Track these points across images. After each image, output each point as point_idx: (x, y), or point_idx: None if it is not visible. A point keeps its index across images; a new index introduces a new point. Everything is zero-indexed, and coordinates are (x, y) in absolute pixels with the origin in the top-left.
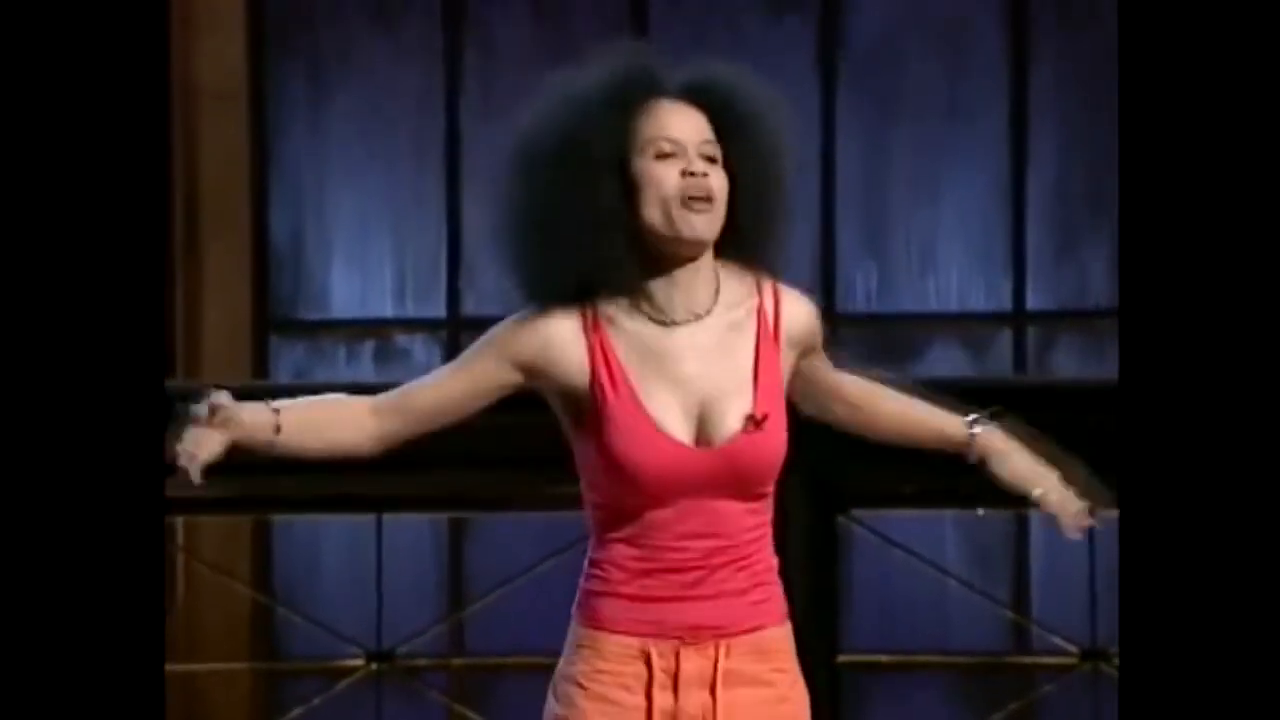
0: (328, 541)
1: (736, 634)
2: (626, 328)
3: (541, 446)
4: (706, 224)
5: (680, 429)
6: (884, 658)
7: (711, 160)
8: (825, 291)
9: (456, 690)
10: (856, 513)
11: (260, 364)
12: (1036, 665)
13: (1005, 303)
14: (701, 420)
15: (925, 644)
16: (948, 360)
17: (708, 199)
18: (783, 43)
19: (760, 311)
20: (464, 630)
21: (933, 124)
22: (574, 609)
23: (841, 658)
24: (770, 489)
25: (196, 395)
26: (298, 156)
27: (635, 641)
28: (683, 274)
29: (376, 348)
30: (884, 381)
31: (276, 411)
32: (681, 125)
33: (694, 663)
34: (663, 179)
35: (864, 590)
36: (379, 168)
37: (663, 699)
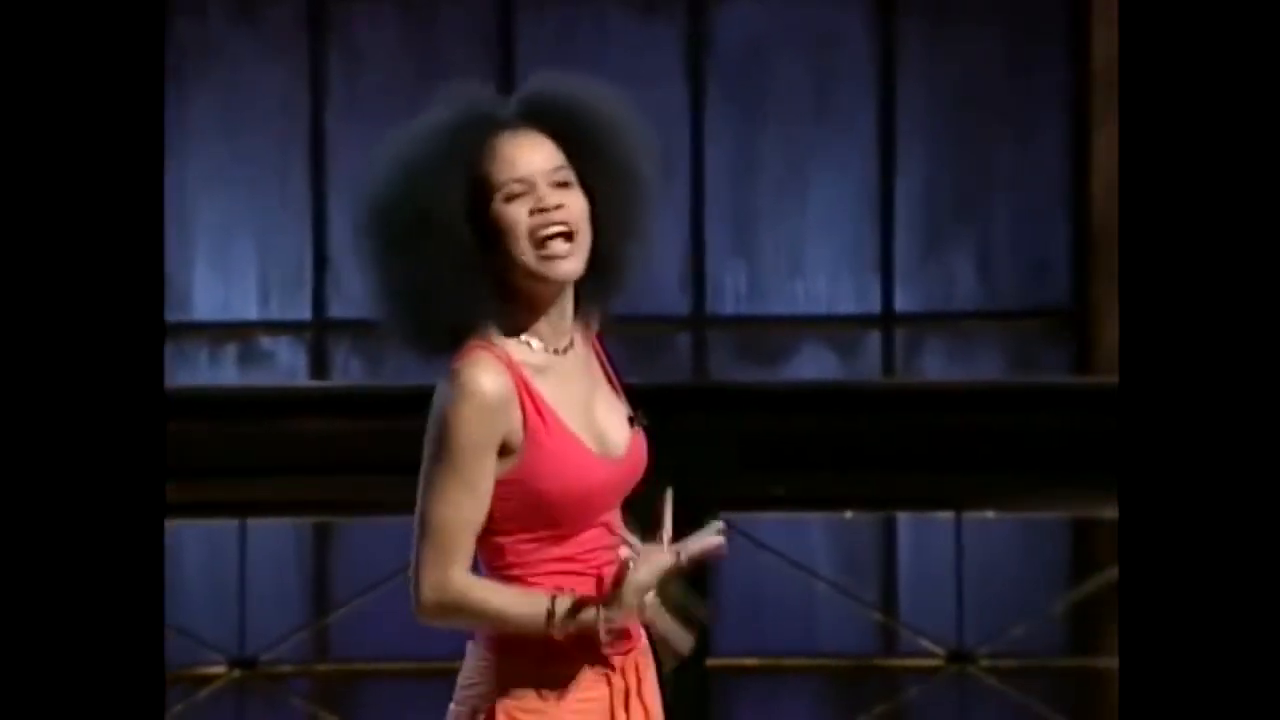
0: (189, 546)
1: (636, 644)
2: (532, 363)
3: (406, 452)
4: (571, 263)
5: (597, 444)
6: (752, 660)
7: (564, 185)
8: (694, 293)
9: (320, 696)
10: (725, 515)
11: None
12: (903, 668)
13: (873, 305)
14: (601, 431)
15: (793, 646)
16: (816, 362)
17: (565, 234)
18: (650, 45)
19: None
20: (328, 636)
21: (801, 127)
22: (501, 645)
23: (710, 661)
24: None
25: None
26: None
27: (602, 666)
28: (558, 303)
29: (240, 350)
30: None
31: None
32: (528, 159)
33: (635, 673)
34: (516, 221)
35: (732, 593)
36: (242, 168)
37: (619, 717)
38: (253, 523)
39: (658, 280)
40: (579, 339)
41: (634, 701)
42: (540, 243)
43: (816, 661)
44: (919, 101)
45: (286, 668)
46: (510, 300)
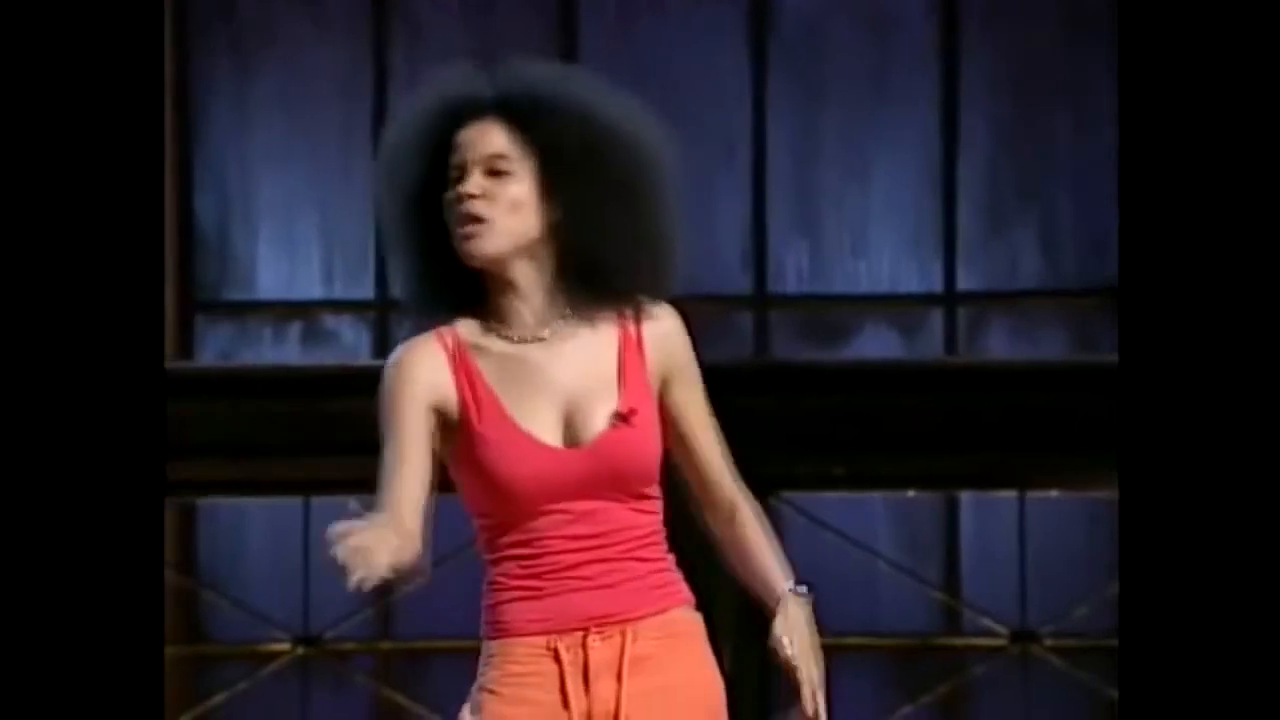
0: (254, 525)
1: (642, 617)
2: (487, 348)
3: None
4: (478, 244)
5: (550, 434)
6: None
7: (500, 174)
8: (756, 273)
9: (384, 674)
10: (786, 494)
11: (185, 345)
12: (966, 647)
13: (936, 284)
14: (570, 423)
15: (856, 626)
16: (879, 341)
17: (476, 220)
18: (712, 25)
19: (622, 320)
20: (391, 614)
21: (863, 106)
22: (482, 627)
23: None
24: (653, 491)
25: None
26: (222, 137)
27: (542, 640)
28: (515, 291)
29: (304, 329)
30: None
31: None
32: (470, 145)
33: (601, 652)
34: (446, 206)
35: (794, 572)
36: (305, 148)
37: (576, 691)
38: (316, 501)
39: (719, 259)
40: (573, 329)
41: (602, 679)
42: (458, 229)
43: (879, 641)
44: (981, 80)
45: (350, 645)
46: (486, 286)
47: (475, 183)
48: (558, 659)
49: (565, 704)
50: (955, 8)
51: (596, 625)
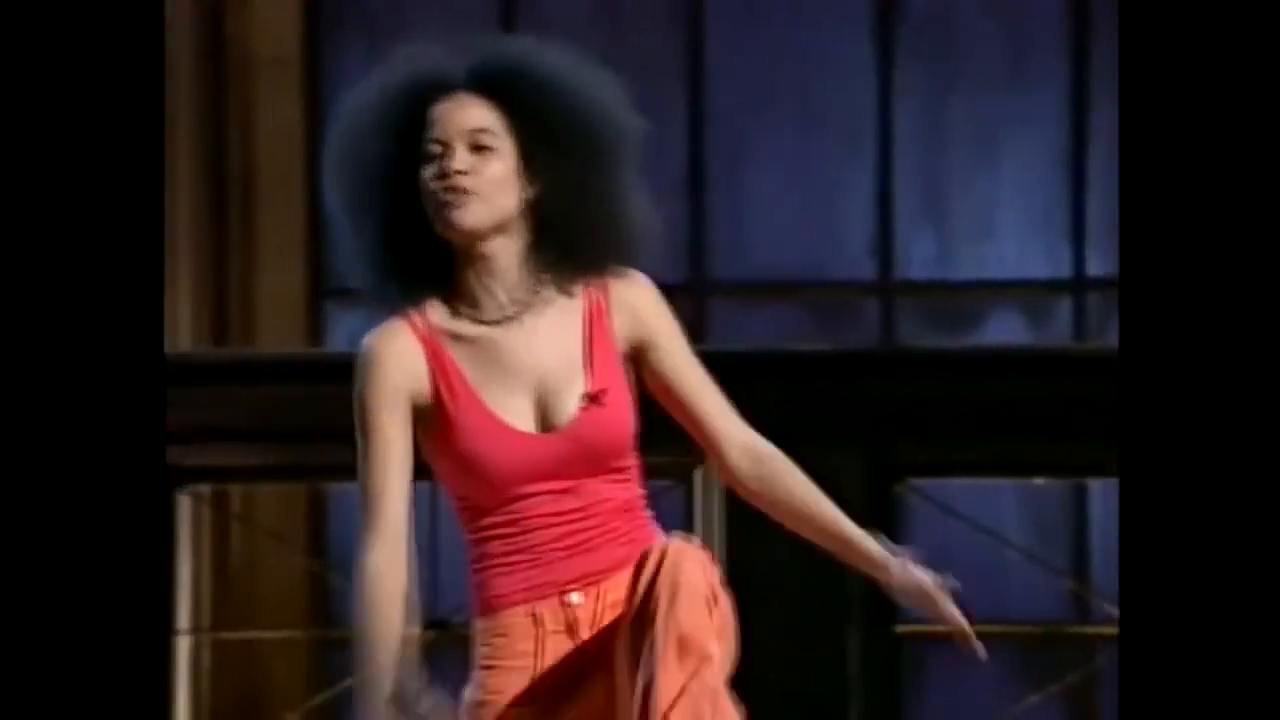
0: None
1: (617, 568)
2: (457, 332)
3: None
4: (463, 214)
5: (523, 419)
6: (943, 627)
7: (484, 149)
8: (883, 259)
9: None
10: (914, 482)
11: (315, 332)
12: (1097, 635)
13: (1065, 270)
14: (542, 406)
15: (984, 614)
16: (1007, 328)
17: (464, 192)
18: (840, 11)
19: (588, 294)
20: None
21: (992, 91)
22: (471, 606)
23: (900, 628)
24: (628, 461)
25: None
26: None
27: (524, 608)
28: (489, 269)
29: None
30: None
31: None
32: (449, 120)
33: (583, 608)
34: (425, 183)
35: (923, 559)
36: None
37: (559, 644)
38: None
39: (846, 246)
40: (540, 308)
41: (587, 631)
42: (440, 204)
43: (1008, 628)
44: (1111, 64)
45: None
46: (456, 267)
47: (462, 159)
48: (540, 623)
49: (542, 666)
50: None
51: (577, 585)
